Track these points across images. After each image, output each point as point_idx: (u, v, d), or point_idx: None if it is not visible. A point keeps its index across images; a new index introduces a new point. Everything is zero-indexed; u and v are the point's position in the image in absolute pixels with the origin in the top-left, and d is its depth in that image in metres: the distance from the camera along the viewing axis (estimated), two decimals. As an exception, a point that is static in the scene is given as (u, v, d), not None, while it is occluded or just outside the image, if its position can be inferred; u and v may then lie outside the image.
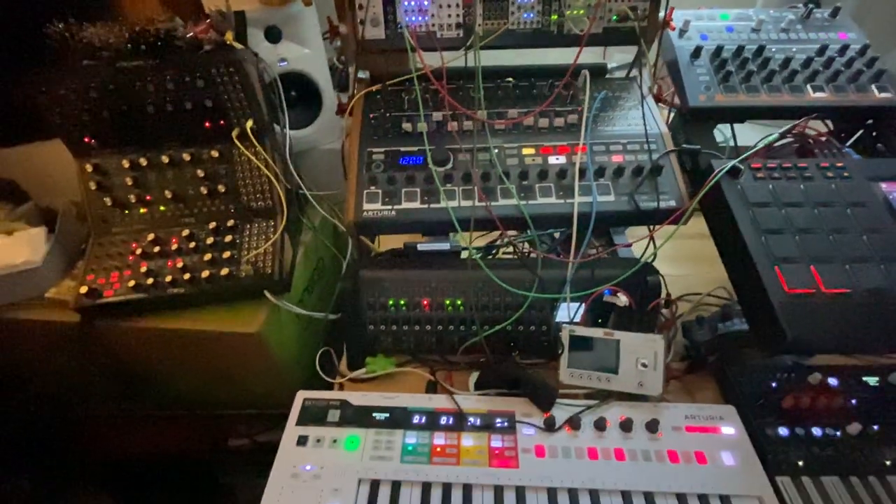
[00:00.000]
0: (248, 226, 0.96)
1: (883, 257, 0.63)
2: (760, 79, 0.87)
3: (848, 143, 0.90)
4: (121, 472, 1.26)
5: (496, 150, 0.83)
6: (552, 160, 0.82)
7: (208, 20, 0.89)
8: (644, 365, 0.73)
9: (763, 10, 0.98)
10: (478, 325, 0.81)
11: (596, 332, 0.76)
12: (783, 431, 0.69)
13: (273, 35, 1.09)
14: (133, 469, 1.25)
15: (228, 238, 0.94)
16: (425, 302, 0.83)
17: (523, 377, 0.75)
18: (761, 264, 0.62)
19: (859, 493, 0.65)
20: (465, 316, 0.83)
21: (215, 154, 0.95)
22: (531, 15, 0.88)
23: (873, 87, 0.85)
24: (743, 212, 0.67)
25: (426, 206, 0.78)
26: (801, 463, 0.67)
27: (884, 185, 0.70)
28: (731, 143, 0.97)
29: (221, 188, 0.95)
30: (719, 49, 0.89)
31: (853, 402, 0.72)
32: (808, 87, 0.86)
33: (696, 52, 0.90)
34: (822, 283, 0.61)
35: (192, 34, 0.88)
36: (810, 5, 0.96)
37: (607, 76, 0.96)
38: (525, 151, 0.83)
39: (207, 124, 0.92)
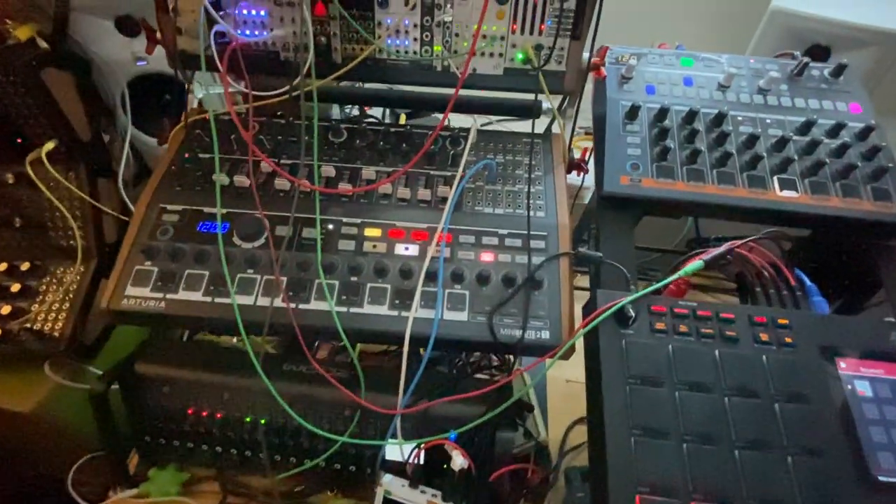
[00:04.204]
0: (54, 270, 0.77)
1: (816, 503, 0.40)
2: (711, 161, 0.62)
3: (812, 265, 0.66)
4: None
5: (331, 226, 0.61)
6: (399, 249, 0.60)
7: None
8: (465, 566, 0.52)
9: (741, 59, 0.72)
10: (279, 457, 0.61)
11: (416, 500, 0.55)
12: None
13: (128, 27, 0.88)
14: None
15: (17, 287, 0.74)
16: (219, 415, 0.63)
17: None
18: (617, 488, 0.40)
19: None
20: (271, 438, 0.63)
21: (10, 178, 0.75)
22: (406, 42, 0.64)
23: (867, 189, 0.61)
24: (616, 391, 0.44)
25: (209, 298, 0.56)
26: None
27: (842, 364, 0.46)
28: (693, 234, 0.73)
29: (17, 221, 0.76)
30: (663, 112, 0.65)
31: None
32: (775, 180, 0.61)
33: (633, 113, 0.66)
34: (702, 540, 0.38)
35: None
36: (805, 58, 0.70)
37: (513, 131, 0.72)
38: (368, 232, 0.61)
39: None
